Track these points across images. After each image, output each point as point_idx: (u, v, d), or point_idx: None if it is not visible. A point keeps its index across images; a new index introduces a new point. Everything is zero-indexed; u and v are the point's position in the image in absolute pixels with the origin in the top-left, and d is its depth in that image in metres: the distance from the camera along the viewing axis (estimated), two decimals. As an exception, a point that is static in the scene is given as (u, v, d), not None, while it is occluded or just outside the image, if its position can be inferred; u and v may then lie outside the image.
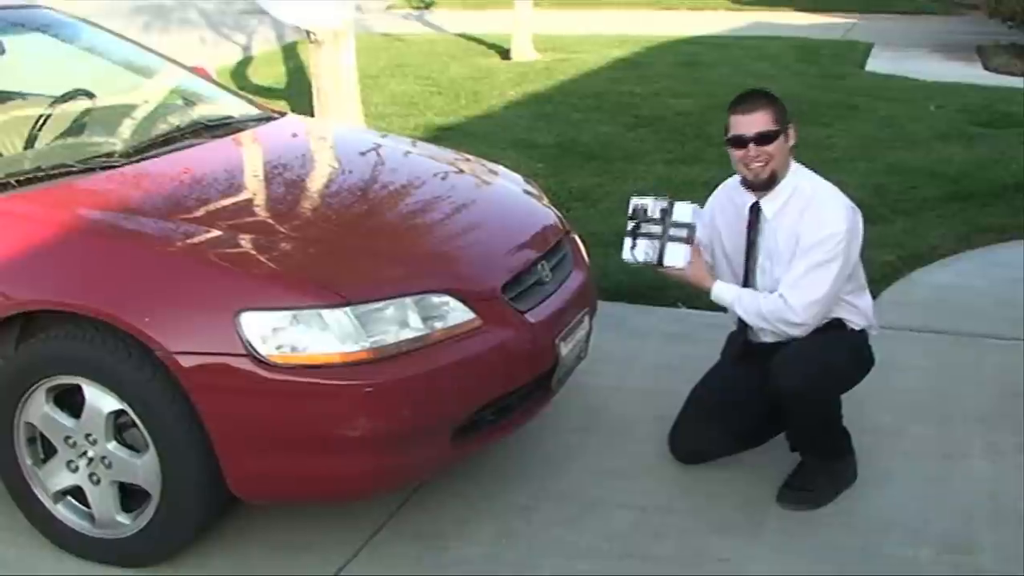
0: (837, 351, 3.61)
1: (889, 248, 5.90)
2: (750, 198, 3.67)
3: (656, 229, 3.58)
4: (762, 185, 3.62)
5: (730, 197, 3.78)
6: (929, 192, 6.92)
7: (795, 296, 3.51)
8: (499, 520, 3.59)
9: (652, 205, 3.59)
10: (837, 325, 3.64)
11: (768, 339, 3.71)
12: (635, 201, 3.62)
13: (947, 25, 15.65)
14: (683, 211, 3.57)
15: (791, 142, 3.64)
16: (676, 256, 3.56)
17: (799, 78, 10.99)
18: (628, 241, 3.62)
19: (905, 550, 3.42)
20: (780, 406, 3.62)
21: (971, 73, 11.50)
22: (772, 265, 3.65)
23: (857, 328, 3.70)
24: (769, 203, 3.63)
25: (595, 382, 4.37)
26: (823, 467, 3.70)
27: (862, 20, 16.04)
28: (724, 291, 3.67)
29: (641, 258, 3.60)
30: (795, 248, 3.56)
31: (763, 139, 3.56)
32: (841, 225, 3.54)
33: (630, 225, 3.61)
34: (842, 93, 10.16)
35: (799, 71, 11.45)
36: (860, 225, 3.64)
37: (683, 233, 3.56)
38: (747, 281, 3.73)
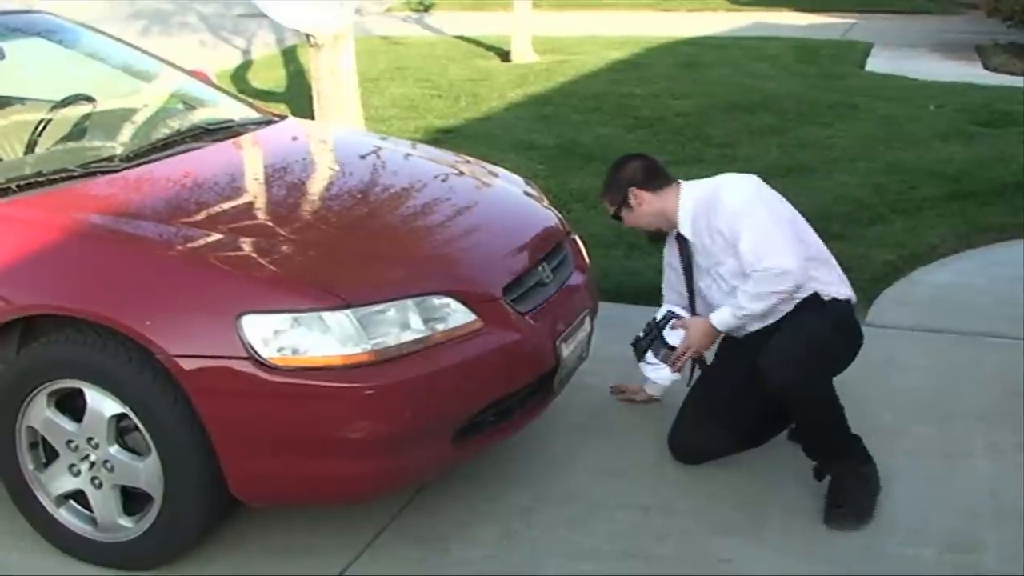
0: (819, 328, 3.64)
1: (889, 247, 5.91)
2: (673, 231, 3.95)
3: (652, 334, 4.01)
4: (652, 238, 4.09)
5: (668, 241, 4.05)
6: (929, 191, 6.92)
7: (760, 262, 3.60)
8: (501, 522, 3.59)
9: (644, 329, 4.06)
10: (813, 300, 3.69)
11: (755, 326, 3.75)
12: (633, 341, 4.08)
13: (946, 24, 15.65)
14: (660, 311, 4.07)
15: (640, 199, 3.91)
16: (674, 332, 3.95)
17: (799, 78, 10.99)
18: (641, 362, 4.06)
19: (907, 550, 3.42)
20: (780, 404, 3.61)
21: (970, 72, 11.50)
22: (719, 270, 3.77)
23: (840, 297, 3.74)
24: (684, 226, 3.87)
25: (597, 383, 4.37)
26: (851, 474, 3.61)
27: (861, 20, 16.04)
28: (720, 315, 3.79)
29: (658, 358, 4.00)
30: (725, 242, 3.70)
31: (616, 219, 4.02)
32: (737, 194, 3.76)
33: (638, 352, 4.06)
34: (842, 93, 10.16)
35: (799, 71, 11.45)
36: (757, 180, 3.85)
37: (668, 320, 4.00)
38: (692, 303, 3.97)
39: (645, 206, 3.91)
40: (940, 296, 5.40)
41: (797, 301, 3.70)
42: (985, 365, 4.65)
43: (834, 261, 3.85)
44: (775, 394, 3.56)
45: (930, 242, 6.03)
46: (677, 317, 3.98)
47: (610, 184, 3.98)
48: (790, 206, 3.83)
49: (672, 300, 4.09)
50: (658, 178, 3.92)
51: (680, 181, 3.94)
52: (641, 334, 4.05)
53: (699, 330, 3.86)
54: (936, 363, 4.69)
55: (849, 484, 3.60)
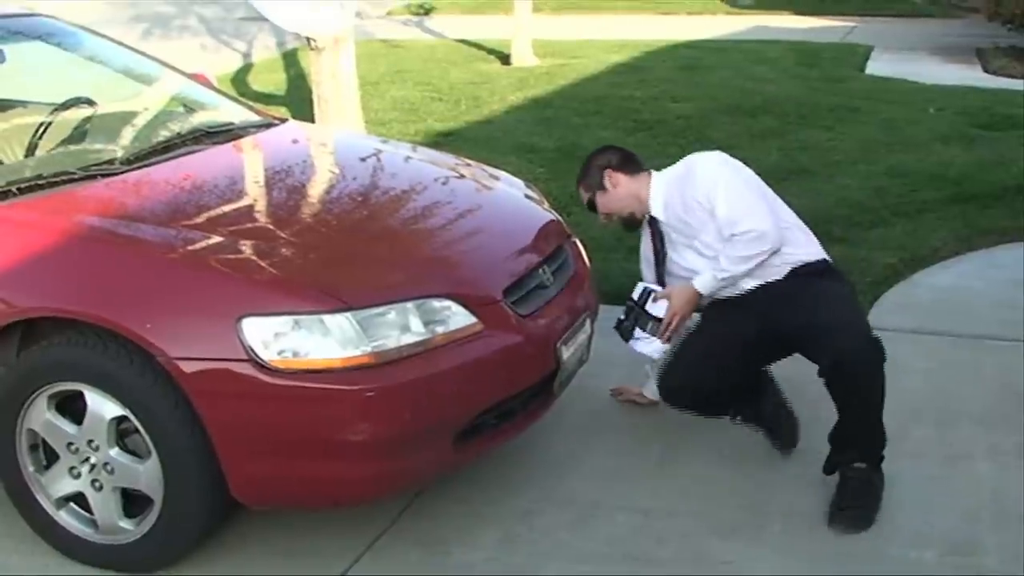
0: (849, 295, 3.84)
1: (890, 250, 5.91)
2: (646, 217, 4.06)
3: (635, 312, 4.00)
4: (626, 224, 4.13)
5: (643, 232, 4.15)
6: (930, 194, 6.92)
7: (737, 226, 3.73)
8: (502, 525, 3.59)
9: (624, 312, 4.04)
10: (824, 266, 3.87)
11: (748, 284, 3.82)
12: (615, 324, 4.06)
13: (946, 28, 15.65)
14: (635, 291, 4.04)
15: (615, 181, 4.04)
16: (657, 304, 3.95)
17: (799, 81, 10.99)
18: (630, 341, 4.03)
19: (909, 552, 3.41)
20: (839, 392, 3.59)
21: (971, 76, 11.50)
22: (703, 238, 3.86)
23: (827, 260, 3.93)
24: (655, 208, 4.00)
25: (597, 385, 4.37)
26: (860, 478, 3.61)
27: (861, 23, 16.04)
28: (702, 279, 3.86)
29: (647, 332, 3.97)
30: (704, 210, 3.82)
31: (590, 207, 4.15)
32: (710, 164, 3.93)
33: (624, 333, 4.03)
34: (842, 96, 10.16)
35: (799, 74, 11.45)
36: (724, 154, 4.01)
37: (647, 295, 3.99)
38: (661, 284, 4.06)
39: (620, 188, 4.03)
40: (941, 299, 5.40)
41: (796, 265, 3.80)
42: (986, 368, 4.64)
43: (808, 230, 3.97)
44: (844, 364, 3.51)
45: (931, 245, 6.03)
46: (654, 291, 4.01)
47: (586, 169, 4.13)
48: (758, 177, 3.95)
49: None
50: (632, 163, 4.10)
51: (652, 171, 4.07)
52: (622, 316, 4.03)
53: (682, 296, 3.90)
54: (937, 365, 4.69)
55: (855, 487, 3.60)
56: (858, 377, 3.53)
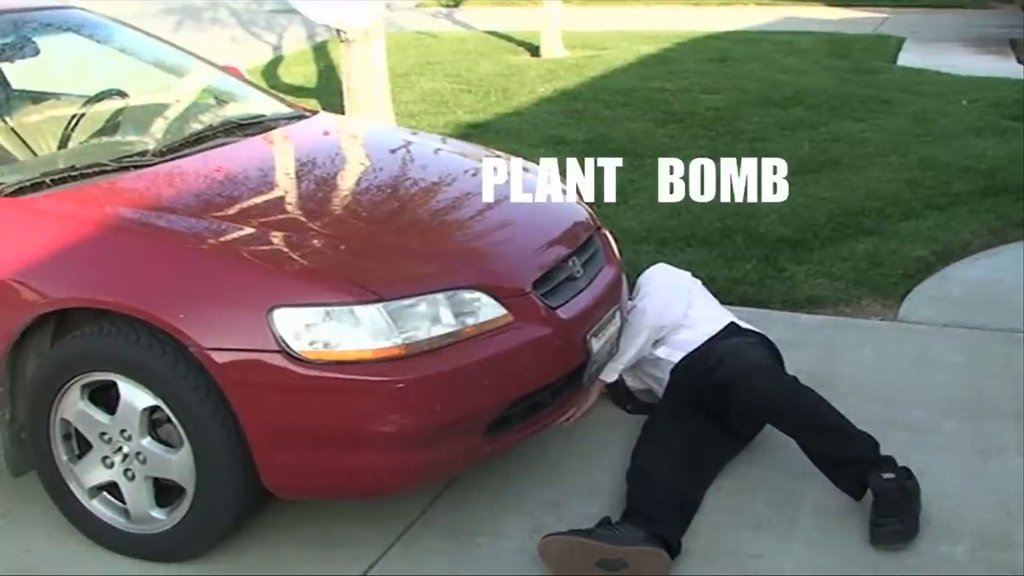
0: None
1: (922, 243, 5.87)
2: None
3: None
4: None
5: None
6: (962, 187, 6.86)
7: None
8: (529, 516, 3.59)
9: None
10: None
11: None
12: None
13: (979, 19, 15.53)
14: None
15: None
16: None
17: (831, 73, 10.93)
18: None
19: (940, 547, 3.39)
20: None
21: (1004, 67, 11.40)
22: None
23: None
24: None
25: (626, 378, 4.35)
26: (894, 488, 3.47)
27: (893, 14, 15.94)
28: None
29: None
30: None
31: None
32: None
33: None
34: (874, 88, 10.10)
35: (830, 66, 11.39)
36: None
37: None
38: None
39: None
40: (973, 292, 5.36)
41: None
42: (1018, 361, 4.60)
43: None
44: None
45: (963, 238, 5.99)
46: None
47: None
48: None
49: None
50: None
51: None
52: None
53: None
54: (969, 359, 4.66)
55: (889, 499, 3.44)
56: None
